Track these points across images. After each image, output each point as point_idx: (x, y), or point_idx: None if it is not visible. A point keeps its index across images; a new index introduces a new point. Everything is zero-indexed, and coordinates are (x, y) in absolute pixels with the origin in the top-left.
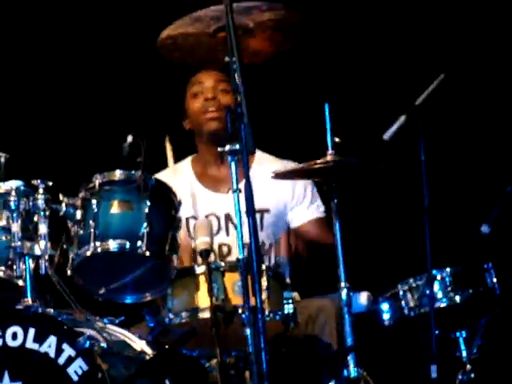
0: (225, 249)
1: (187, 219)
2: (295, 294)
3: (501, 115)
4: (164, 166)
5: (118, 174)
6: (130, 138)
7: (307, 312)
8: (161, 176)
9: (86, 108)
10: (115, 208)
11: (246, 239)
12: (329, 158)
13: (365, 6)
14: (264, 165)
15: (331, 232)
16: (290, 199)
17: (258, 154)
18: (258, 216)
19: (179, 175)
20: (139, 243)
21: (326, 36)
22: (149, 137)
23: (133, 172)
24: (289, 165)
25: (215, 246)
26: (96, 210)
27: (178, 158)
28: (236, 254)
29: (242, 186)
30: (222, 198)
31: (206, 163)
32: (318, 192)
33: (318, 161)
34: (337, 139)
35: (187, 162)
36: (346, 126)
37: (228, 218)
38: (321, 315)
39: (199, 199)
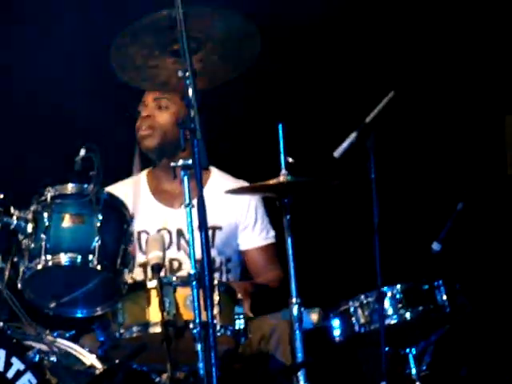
0: (175, 264)
1: (139, 233)
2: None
3: (451, 132)
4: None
5: (70, 187)
6: (82, 152)
7: (260, 332)
8: (120, 185)
9: (39, 119)
10: (67, 221)
11: (198, 255)
12: (282, 178)
13: (315, 24)
14: (219, 182)
15: (278, 263)
16: (242, 220)
17: (215, 171)
18: (209, 233)
19: (134, 187)
20: (91, 257)
21: (278, 55)
22: (102, 150)
23: (85, 185)
24: (242, 184)
25: (166, 262)
26: (47, 224)
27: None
28: (187, 270)
29: (195, 201)
30: (174, 212)
31: (160, 177)
32: (267, 211)
33: (272, 181)
34: (290, 159)
35: (143, 175)
36: (298, 145)
37: (180, 233)
38: (274, 335)
39: (152, 213)
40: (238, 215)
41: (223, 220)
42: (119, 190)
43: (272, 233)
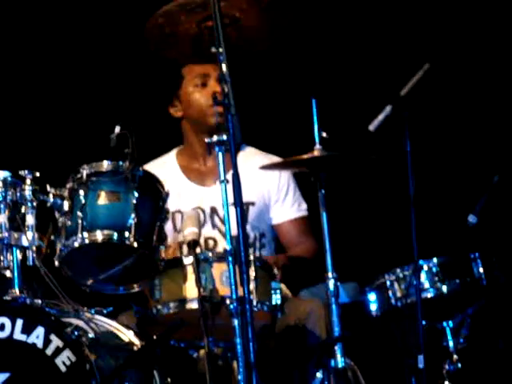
0: (211, 242)
1: (173, 213)
2: (282, 286)
3: (487, 104)
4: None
5: (105, 164)
6: (117, 129)
7: (296, 315)
8: (148, 167)
9: (73, 98)
10: (103, 199)
11: (233, 231)
12: (316, 153)
13: None
14: (250, 158)
15: (311, 235)
16: (273, 194)
17: (245, 148)
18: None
19: (165, 168)
20: (127, 234)
21: (311, 29)
22: (137, 127)
23: (120, 163)
24: (274, 159)
25: (201, 240)
26: (83, 201)
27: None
28: (222, 248)
29: (229, 176)
30: (207, 191)
31: (192, 156)
32: (299, 185)
33: (306, 156)
34: (324, 134)
35: (172, 155)
36: (332, 119)
37: (213, 211)
38: (310, 319)
39: (184, 193)
40: (270, 189)
41: (256, 195)
42: (151, 169)
43: (304, 205)
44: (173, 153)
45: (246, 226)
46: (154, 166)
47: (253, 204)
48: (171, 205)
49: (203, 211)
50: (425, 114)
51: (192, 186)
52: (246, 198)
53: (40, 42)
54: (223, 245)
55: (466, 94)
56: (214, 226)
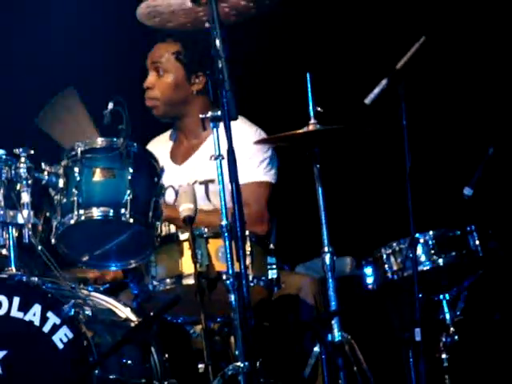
0: None
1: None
2: None
3: (482, 76)
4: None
5: (99, 141)
6: (110, 105)
7: (287, 290)
8: (155, 142)
9: (68, 76)
10: (98, 176)
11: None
12: (311, 127)
13: None
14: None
15: (256, 203)
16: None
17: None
18: (209, 185)
19: (160, 145)
20: (123, 210)
21: (305, 3)
22: (130, 103)
23: (115, 139)
24: (258, 132)
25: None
26: (79, 178)
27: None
28: None
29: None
30: (178, 169)
31: (178, 134)
32: (296, 161)
33: (300, 131)
34: (319, 108)
35: (167, 133)
36: (327, 94)
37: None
38: (301, 294)
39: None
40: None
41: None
42: (155, 146)
43: (260, 174)
44: (168, 132)
45: (241, 203)
46: (158, 141)
47: (212, 181)
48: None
49: (174, 189)
50: (420, 87)
51: (170, 165)
52: (209, 176)
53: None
54: None
55: (461, 66)
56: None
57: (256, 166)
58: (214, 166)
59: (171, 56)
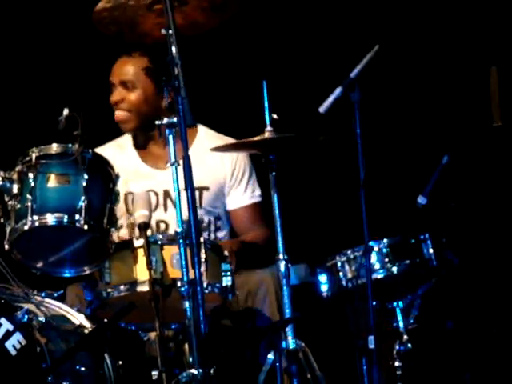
0: (162, 225)
1: (125, 195)
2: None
3: (436, 85)
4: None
5: (54, 147)
6: (65, 111)
7: (247, 287)
8: (104, 149)
9: (21, 81)
10: (52, 181)
11: (185, 215)
12: (267, 135)
13: None
14: (206, 141)
15: (263, 222)
16: (228, 179)
17: (202, 130)
18: (197, 193)
19: (122, 150)
20: (77, 217)
21: (262, 10)
22: (85, 109)
23: (70, 145)
24: (230, 141)
25: (153, 223)
26: (33, 184)
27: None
28: (173, 231)
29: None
30: (160, 174)
31: (145, 139)
32: (256, 170)
33: (257, 138)
34: (275, 116)
35: (129, 137)
36: (282, 101)
37: (167, 194)
38: (261, 289)
39: (139, 176)
40: (226, 174)
41: (210, 180)
42: (106, 151)
43: (258, 191)
44: (129, 135)
45: (196, 209)
46: (109, 147)
47: (207, 189)
48: (125, 187)
49: (156, 194)
50: (374, 96)
51: (145, 169)
52: (200, 183)
53: None
54: (175, 228)
55: (414, 74)
56: (166, 209)
57: (252, 185)
58: (207, 173)
59: (140, 71)
